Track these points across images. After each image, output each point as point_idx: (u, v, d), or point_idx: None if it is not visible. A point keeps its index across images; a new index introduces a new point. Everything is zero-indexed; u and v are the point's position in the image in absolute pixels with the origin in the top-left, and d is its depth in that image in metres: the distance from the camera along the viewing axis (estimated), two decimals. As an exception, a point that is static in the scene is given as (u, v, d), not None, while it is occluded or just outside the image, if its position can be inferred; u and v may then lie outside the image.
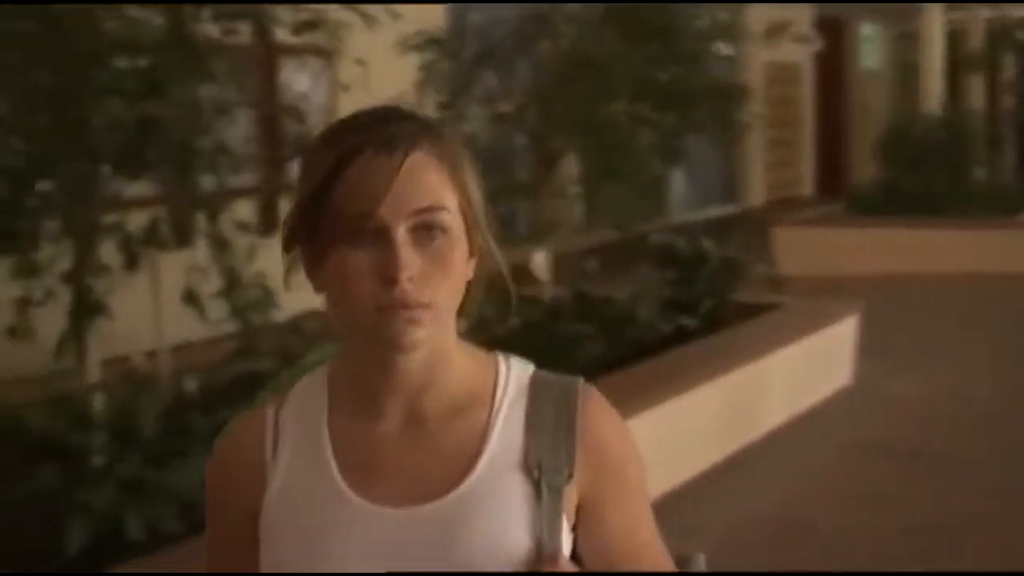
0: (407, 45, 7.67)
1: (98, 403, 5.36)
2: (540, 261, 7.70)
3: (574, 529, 1.73)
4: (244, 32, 7.01)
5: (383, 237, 1.62)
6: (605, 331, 7.49)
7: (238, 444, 1.78)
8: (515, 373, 1.77)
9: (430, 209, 1.63)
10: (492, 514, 1.67)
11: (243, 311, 6.52)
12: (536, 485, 1.68)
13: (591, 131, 7.44)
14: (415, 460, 1.70)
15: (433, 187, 1.63)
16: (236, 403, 5.44)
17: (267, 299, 6.60)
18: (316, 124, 11.73)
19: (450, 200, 1.65)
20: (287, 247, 1.69)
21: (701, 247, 8.24)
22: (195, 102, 6.76)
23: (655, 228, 10.12)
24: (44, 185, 5.13)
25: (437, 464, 1.70)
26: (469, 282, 1.71)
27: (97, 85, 4.83)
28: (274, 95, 11.33)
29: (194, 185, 6.86)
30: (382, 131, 1.64)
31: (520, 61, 7.83)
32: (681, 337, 7.74)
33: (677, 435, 6.70)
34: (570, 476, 1.69)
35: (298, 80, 11.84)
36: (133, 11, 5.62)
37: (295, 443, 1.74)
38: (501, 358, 1.79)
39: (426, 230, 1.63)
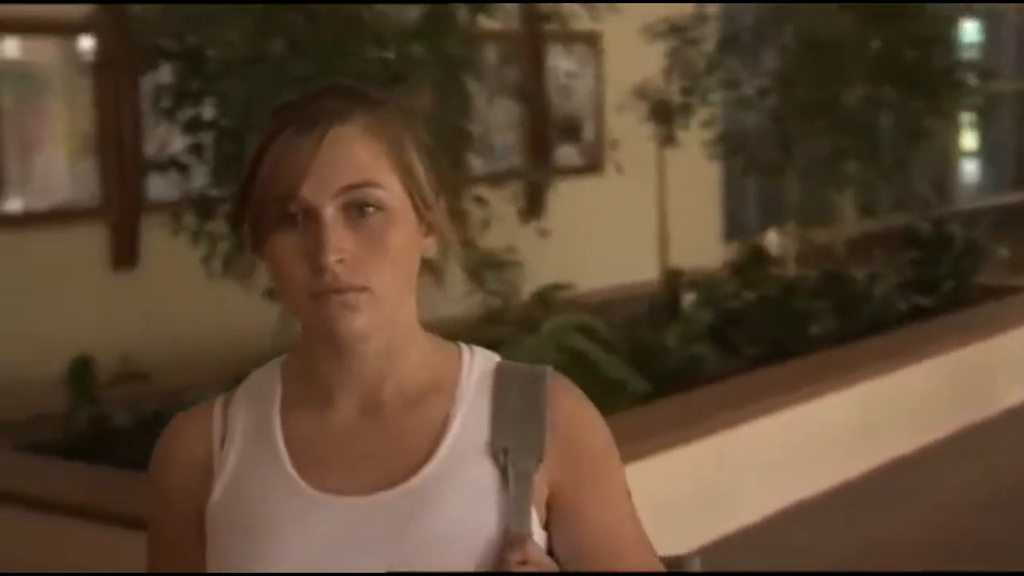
0: (652, 32, 8.41)
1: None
2: (773, 239, 8.31)
3: (546, 527, 1.72)
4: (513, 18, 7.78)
5: (311, 219, 1.60)
6: (840, 308, 8.07)
7: (183, 440, 1.76)
8: (479, 362, 1.76)
9: (360, 185, 1.61)
10: (455, 501, 1.65)
11: (492, 286, 7.36)
12: (503, 471, 1.66)
13: (831, 114, 8.02)
14: (372, 449, 1.69)
15: (363, 163, 1.62)
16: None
17: (516, 274, 7.41)
18: (582, 108, 12.62)
19: (386, 176, 1.63)
20: (235, 231, 1.69)
21: (946, 230, 8.71)
22: (460, 89, 7.68)
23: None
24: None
25: (395, 452, 1.69)
26: (429, 263, 1.71)
27: (345, 74, 5.73)
28: (541, 81, 12.20)
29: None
30: (308, 108, 1.64)
31: (761, 46, 8.46)
32: (917, 316, 8.25)
33: (900, 405, 7.27)
34: (539, 461, 1.67)
35: (565, 66, 12.67)
36: (387, 5, 6.52)
37: (245, 436, 1.74)
38: (465, 347, 1.78)
39: (357, 208, 1.61)
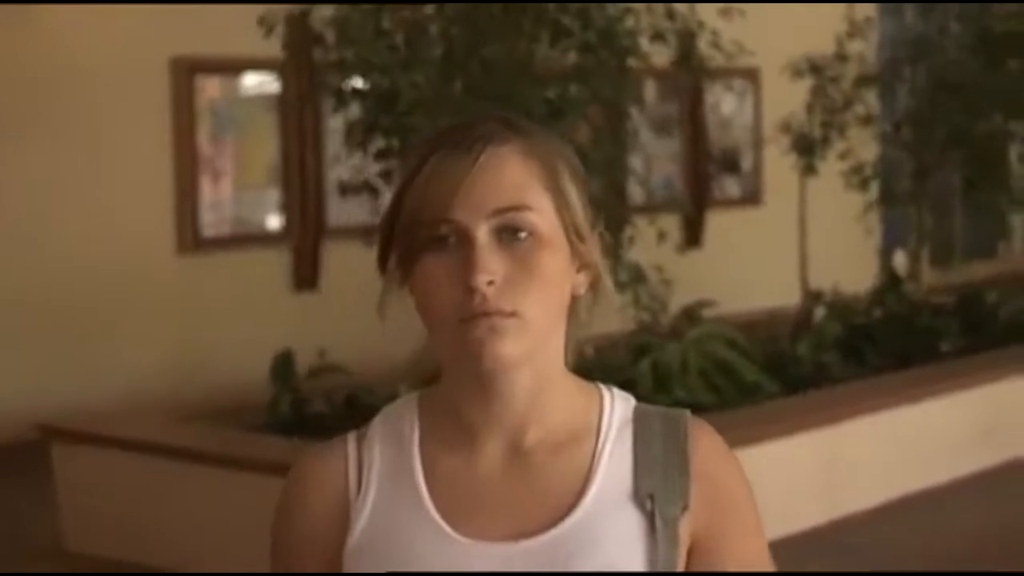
0: (794, 71, 9.98)
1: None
2: (900, 260, 9.76)
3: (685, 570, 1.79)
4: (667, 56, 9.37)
5: (464, 241, 1.67)
6: (968, 326, 9.51)
7: (317, 477, 1.81)
8: (619, 405, 1.82)
9: (513, 208, 1.68)
10: (602, 549, 1.72)
11: (643, 301, 8.92)
12: (650, 517, 1.73)
13: (964, 146, 9.46)
14: (517, 494, 1.75)
15: (517, 185, 1.69)
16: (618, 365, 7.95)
17: (665, 291, 8.96)
18: (741, 141, 14.15)
19: (540, 201, 1.70)
20: (381, 265, 1.76)
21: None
22: (620, 125, 9.33)
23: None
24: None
25: (541, 498, 1.74)
26: (577, 298, 1.78)
27: (512, 110, 7.38)
28: (701, 115, 13.80)
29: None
30: (460, 133, 1.72)
31: (896, 83, 9.96)
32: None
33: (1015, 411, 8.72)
34: (685, 507, 1.75)
35: (725, 100, 14.27)
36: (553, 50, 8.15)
37: (383, 476, 1.79)
38: (604, 389, 1.84)
39: (511, 232, 1.68)
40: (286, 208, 11.57)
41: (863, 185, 10.06)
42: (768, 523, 6.10)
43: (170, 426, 7.99)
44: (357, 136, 8.11)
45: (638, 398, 6.57)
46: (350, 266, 8.37)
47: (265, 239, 11.50)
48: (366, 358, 8.20)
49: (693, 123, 13.70)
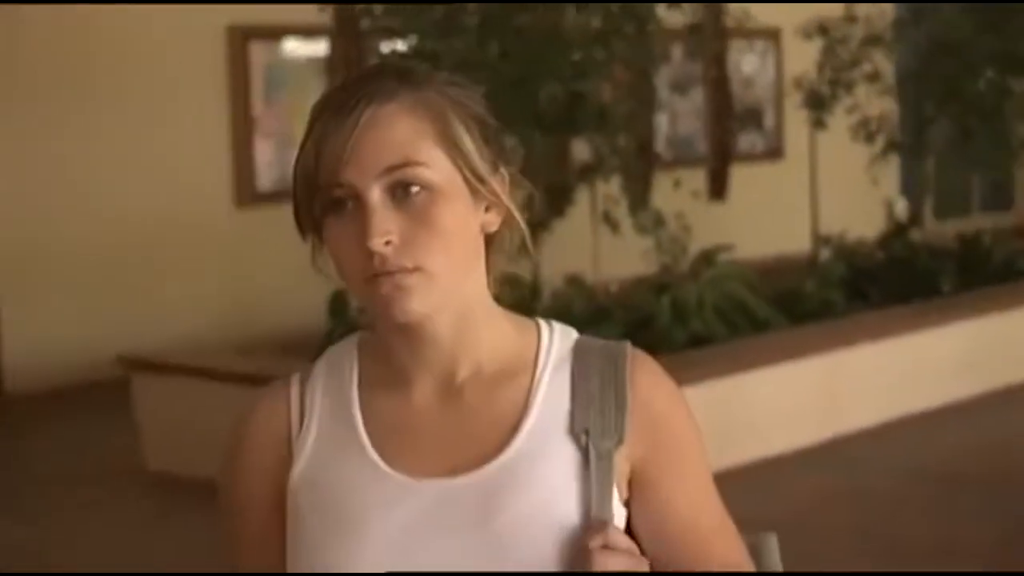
0: (805, 32, 10.86)
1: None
2: (901, 207, 10.65)
3: (626, 504, 1.82)
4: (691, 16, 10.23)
5: (358, 203, 1.70)
6: (965, 267, 10.40)
7: (261, 418, 1.87)
8: (558, 339, 1.85)
9: (401, 165, 1.70)
10: (537, 482, 1.76)
11: (665, 245, 9.81)
12: (584, 451, 1.77)
13: (958, 101, 10.33)
14: (453, 430, 1.80)
15: (404, 141, 1.70)
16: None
17: (684, 239, 9.83)
18: (763, 99, 14.99)
19: (430, 154, 1.71)
20: (299, 228, 1.78)
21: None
22: (646, 82, 10.23)
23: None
24: (508, 140, 8.62)
25: (476, 434, 1.79)
26: (492, 235, 1.81)
27: (542, 75, 8.29)
28: (724, 74, 14.66)
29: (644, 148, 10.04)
30: (349, 90, 1.73)
31: (898, 44, 10.85)
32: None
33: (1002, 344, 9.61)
34: (620, 441, 1.78)
35: (747, 60, 15.14)
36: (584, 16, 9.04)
37: (323, 418, 1.84)
38: (543, 324, 1.87)
39: (403, 189, 1.70)
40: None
41: (869, 138, 10.94)
42: (775, 439, 7.13)
43: (237, 356, 8.95)
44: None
45: (657, 331, 7.73)
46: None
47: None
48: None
49: (716, 81, 14.55)
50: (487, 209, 1.79)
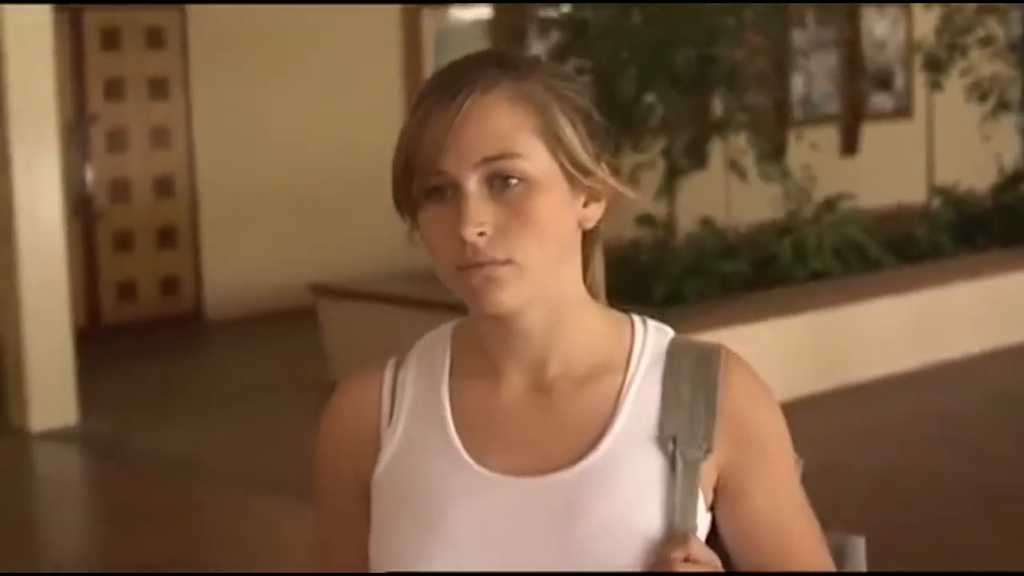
0: (925, 2, 11.75)
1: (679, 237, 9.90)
2: (1006, 161, 11.50)
3: (711, 509, 1.78)
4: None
5: (457, 191, 1.67)
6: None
7: (352, 406, 1.85)
8: (652, 338, 1.81)
9: (499, 157, 1.67)
10: (621, 488, 1.72)
11: (791, 192, 10.72)
12: (671, 459, 1.73)
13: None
14: (540, 428, 1.76)
15: (504, 132, 1.67)
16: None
17: (809, 188, 10.73)
18: (894, 61, 15.81)
19: (529, 146, 1.68)
20: (397, 206, 1.75)
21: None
22: (779, 46, 11.16)
23: None
24: (648, 98, 9.69)
25: (563, 433, 1.76)
26: (589, 231, 1.78)
27: (679, 40, 9.31)
28: (857, 38, 15.55)
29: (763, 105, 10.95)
30: (452, 77, 1.70)
31: (1012, 10, 11.66)
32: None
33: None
34: (708, 451, 1.74)
35: (878, 25, 16.02)
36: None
37: (413, 406, 1.81)
38: (638, 321, 1.83)
39: (501, 180, 1.67)
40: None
41: (982, 98, 11.76)
42: (878, 363, 8.17)
43: (412, 283, 10.05)
44: (555, 58, 10.08)
45: (779, 268, 8.96)
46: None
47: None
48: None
49: (850, 45, 15.46)
50: (585, 204, 1.76)
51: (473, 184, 1.67)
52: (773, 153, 10.83)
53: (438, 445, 1.79)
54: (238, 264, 12.14)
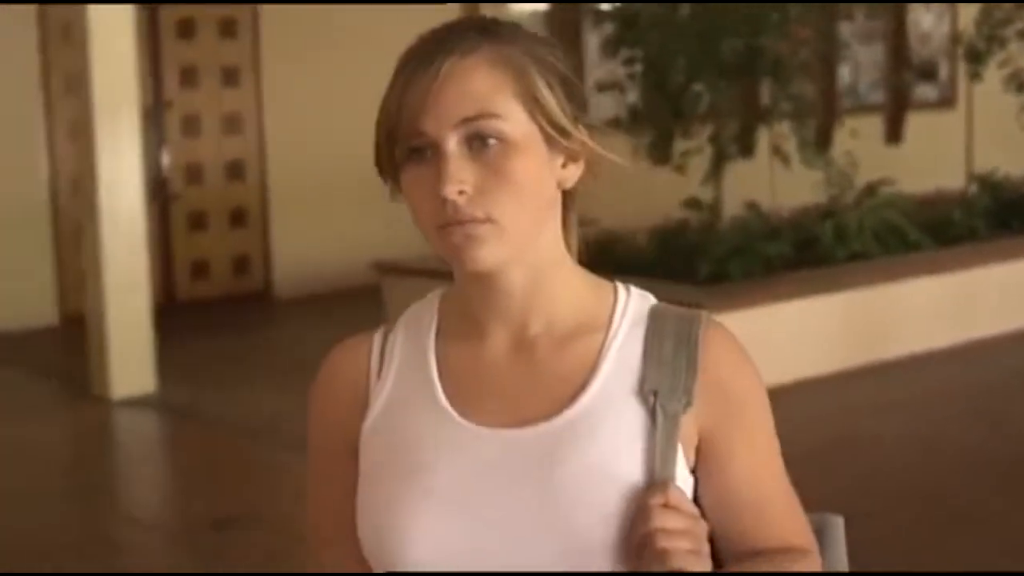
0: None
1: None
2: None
3: (694, 472, 1.81)
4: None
5: (436, 152, 1.71)
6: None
7: (343, 368, 1.90)
8: (634, 302, 1.84)
9: (477, 117, 1.70)
10: (602, 438, 1.75)
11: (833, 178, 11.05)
12: (651, 412, 1.75)
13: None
14: (522, 383, 1.80)
15: (482, 94, 1.70)
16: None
17: (851, 174, 11.05)
18: (939, 53, 16.13)
19: (508, 107, 1.71)
20: (380, 171, 1.80)
21: None
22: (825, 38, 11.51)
23: None
24: (697, 87, 10.09)
25: (545, 388, 1.79)
26: (569, 192, 1.82)
27: (727, 31, 9.72)
28: (903, 30, 15.89)
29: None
30: (433, 42, 1.74)
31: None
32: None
33: None
34: (688, 404, 1.76)
35: (924, 18, 16.36)
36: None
37: (401, 366, 1.86)
38: (621, 286, 1.86)
39: (480, 140, 1.70)
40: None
41: (1020, 88, 12.08)
42: (907, 342, 8.62)
43: None
44: (609, 47, 10.52)
45: (821, 249, 9.44)
46: (619, 153, 10.75)
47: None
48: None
49: (896, 37, 15.80)
50: (564, 165, 1.78)
51: (453, 144, 1.71)
52: (818, 141, 11.17)
53: (425, 401, 1.83)
54: (305, 244, 12.63)
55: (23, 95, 11.59)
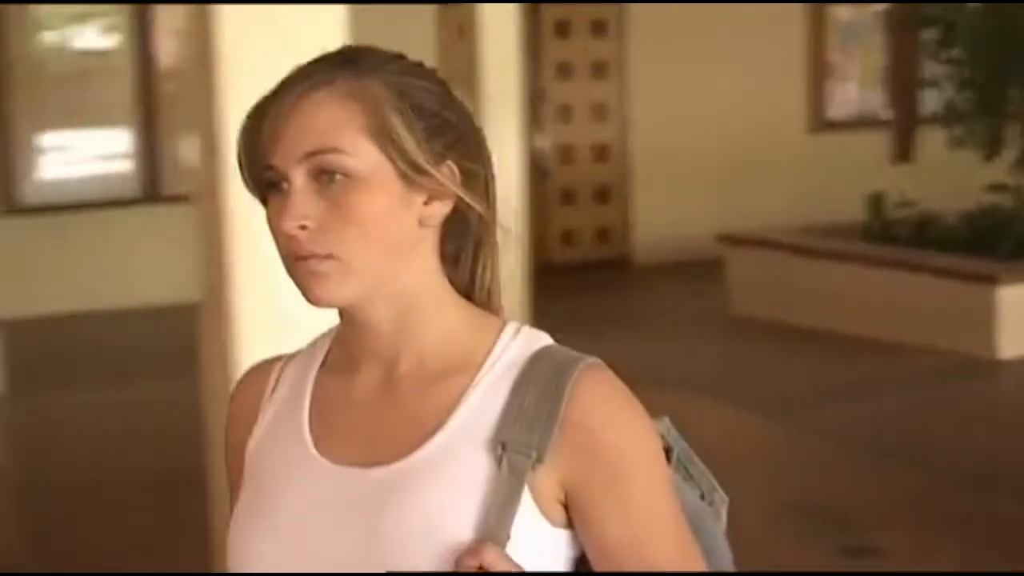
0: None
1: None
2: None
3: (569, 526, 1.68)
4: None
5: (290, 186, 1.65)
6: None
7: (246, 389, 1.87)
8: (518, 344, 1.72)
9: (322, 151, 1.63)
10: (437, 491, 1.63)
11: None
12: (498, 465, 1.63)
13: None
14: (382, 421, 1.71)
15: (327, 129, 1.63)
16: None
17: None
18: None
19: (356, 142, 1.64)
20: (253, 195, 1.73)
21: None
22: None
23: None
24: (1013, 93, 11.04)
25: (401, 428, 1.69)
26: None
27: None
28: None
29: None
30: (293, 75, 1.69)
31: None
32: None
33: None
34: (538, 461, 1.62)
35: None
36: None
37: (284, 395, 1.81)
38: (511, 327, 1.74)
39: (328, 175, 1.64)
40: (889, 100, 14.86)
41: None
42: None
43: (811, 235, 11.38)
44: (930, 49, 11.56)
45: None
46: (936, 144, 11.80)
47: (873, 123, 14.75)
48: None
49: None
50: (427, 202, 1.69)
51: (300, 179, 1.65)
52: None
53: (290, 431, 1.78)
54: (661, 217, 13.64)
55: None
